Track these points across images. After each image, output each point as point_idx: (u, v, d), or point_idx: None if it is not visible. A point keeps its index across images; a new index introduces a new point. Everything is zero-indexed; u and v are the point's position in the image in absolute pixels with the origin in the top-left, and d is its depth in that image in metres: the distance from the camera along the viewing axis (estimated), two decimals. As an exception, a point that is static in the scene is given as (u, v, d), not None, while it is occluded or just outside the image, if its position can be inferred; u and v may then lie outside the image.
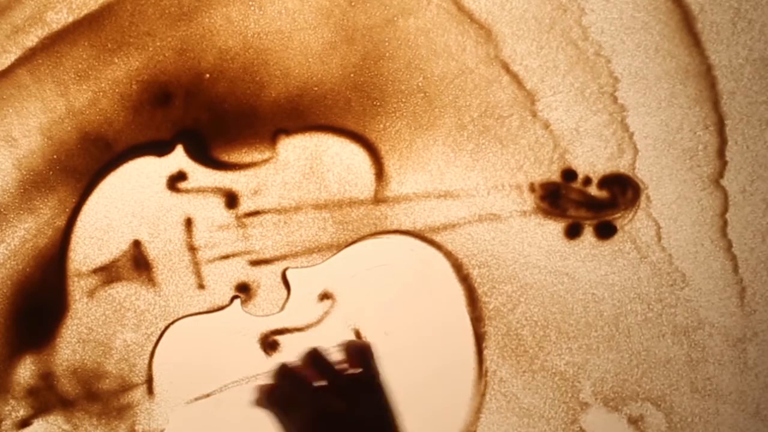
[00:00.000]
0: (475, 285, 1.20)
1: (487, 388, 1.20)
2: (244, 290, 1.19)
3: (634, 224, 1.18)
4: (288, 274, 1.19)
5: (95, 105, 1.15)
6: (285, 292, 1.19)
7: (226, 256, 1.18)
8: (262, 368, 1.21)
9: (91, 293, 1.18)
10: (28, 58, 1.14)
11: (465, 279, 1.19)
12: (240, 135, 1.16)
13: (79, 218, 1.17)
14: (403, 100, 1.16)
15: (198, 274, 1.18)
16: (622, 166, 1.16)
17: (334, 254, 1.19)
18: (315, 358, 0.82)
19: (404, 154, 1.17)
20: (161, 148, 1.16)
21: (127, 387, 1.20)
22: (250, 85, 1.15)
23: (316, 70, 1.15)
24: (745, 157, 1.16)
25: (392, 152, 1.17)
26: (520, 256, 1.19)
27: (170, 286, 1.19)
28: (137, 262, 1.18)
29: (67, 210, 1.17)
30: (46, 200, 1.17)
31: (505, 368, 1.20)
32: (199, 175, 1.17)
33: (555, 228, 1.18)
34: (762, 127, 1.15)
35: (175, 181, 1.17)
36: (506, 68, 1.15)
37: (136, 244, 1.18)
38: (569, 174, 1.17)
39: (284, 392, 0.79)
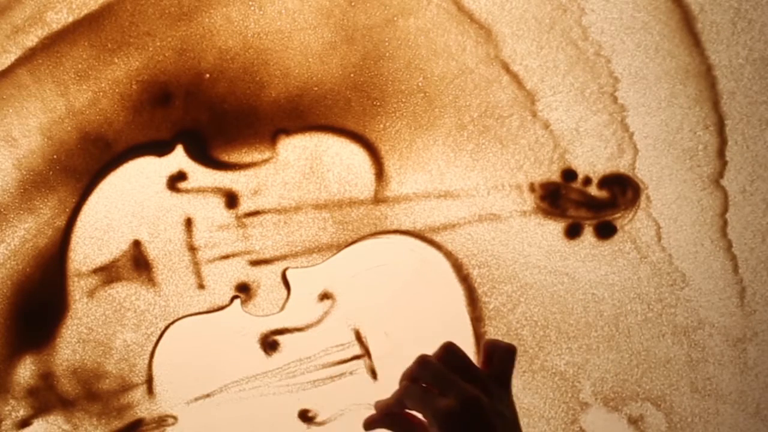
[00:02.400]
0: (475, 285, 1.20)
1: (487, 388, 1.20)
2: (244, 290, 1.19)
3: (634, 224, 1.18)
4: (288, 274, 1.19)
5: (95, 105, 1.15)
6: (285, 292, 1.19)
7: (226, 256, 1.18)
8: (262, 368, 1.21)
9: (91, 293, 1.18)
10: (28, 58, 1.14)
11: (465, 279, 1.19)
12: (240, 135, 1.16)
13: (79, 218, 1.17)
14: (403, 100, 1.16)
15: (198, 274, 1.18)
16: (622, 166, 1.16)
17: (334, 254, 1.19)
18: (452, 352, 0.81)
19: (404, 154, 1.17)
20: (161, 148, 1.16)
21: (127, 387, 1.20)
22: (250, 85, 1.15)
23: (316, 70, 1.15)
24: (745, 157, 1.16)
25: (392, 152, 1.17)
26: (520, 256, 1.19)
27: (170, 286, 1.19)
28: (137, 262, 1.18)
29: (67, 210, 1.17)
30: (46, 200, 1.17)
31: (505, 368, 1.20)
32: (199, 175, 1.17)
33: (555, 228, 1.18)
34: (762, 127, 1.15)
35: (175, 181, 1.17)
36: (506, 68, 1.15)
37: (136, 244, 1.18)
38: (569, 174, 1.17)
39: (427, 380, 0.78)
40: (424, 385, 0.76)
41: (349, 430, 1.20)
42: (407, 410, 0.77)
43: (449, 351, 0.80)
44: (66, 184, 1.17)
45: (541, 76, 1.15)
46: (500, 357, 0.82)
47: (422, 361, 0.78)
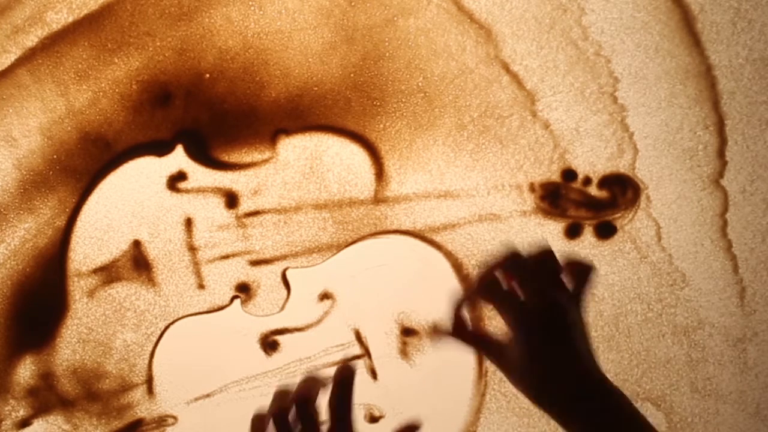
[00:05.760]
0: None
1: (487, 388, 1.20)
2: (244, 290, 1.19)
3: (634, 224, 1.18)
4: (288, 274, 1.19)
5: (95, 105, 1.15)
6: (285, 292, 1.19)
7: (226, 256, 1.18)
8: (262, 368, 1.21)
9: (91, 293, 1.18)
10: (28, 58, 1.14)
11: (465, 279, 1.20)
12: (240, 135, 1.16)
13: (79, 218, 1.17)
14: (403, 100, 1.16)
15: (198, 274, 1.18)
16: (622, 166, 1.16)
17: (334, 254, 1.19)
18: (547, 256, 0.87)
19: (404, 154, 1.17)
20: (161, 148, 1.16)
21: (127, 387, 1.20)
22: (250, 85, 1.15)
23: (316, 70, 1.15)
24: (745, 157, 1.16)
25: (392, 152, 1.17)
26: (520, 256, 1.19)
27: (170, 286, 1.19)
28: (137, 262, 1.18)
29: (67, 210, 1.17)
30: (46, 200, 1.17)
31: (505, 368, 1.20)
32: (199, 175, 1.17)
33: (555, 228, 1.18)
34: (762, 127, 1.15)
35: (175, 181, 1.17)
36: (506, 68, 1.15)
37: (136, 244, 1.18)
38: (569, 174, 1.17)
39: (515, 274, 0.85)
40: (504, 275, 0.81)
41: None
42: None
43: (545, 253, 0.86)
44: (66, 184, 1.17)
45: (541, 76, 1.15)
46: (579, 272, 0.88)
47: (515, 254, 0.83)
